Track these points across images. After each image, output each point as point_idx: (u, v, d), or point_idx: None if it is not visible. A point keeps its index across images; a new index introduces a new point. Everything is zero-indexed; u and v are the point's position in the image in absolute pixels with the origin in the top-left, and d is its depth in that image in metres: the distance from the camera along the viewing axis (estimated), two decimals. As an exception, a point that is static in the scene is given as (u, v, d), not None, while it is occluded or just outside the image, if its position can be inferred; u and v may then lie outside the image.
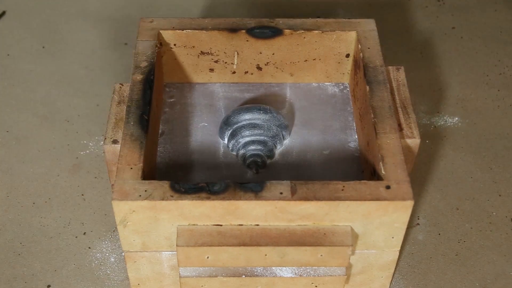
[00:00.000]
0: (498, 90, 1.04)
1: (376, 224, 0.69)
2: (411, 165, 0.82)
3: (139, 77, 0.78)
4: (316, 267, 0.72)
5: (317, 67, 0.88)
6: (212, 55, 0.87)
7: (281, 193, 0.67)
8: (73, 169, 0.92)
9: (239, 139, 0.80)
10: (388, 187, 0.68)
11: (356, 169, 0.80)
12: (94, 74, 1.06)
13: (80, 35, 1.13)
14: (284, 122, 0.82)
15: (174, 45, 0.86)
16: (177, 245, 0.68)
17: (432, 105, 1.01)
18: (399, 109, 0.80)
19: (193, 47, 0.86)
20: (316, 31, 0.85)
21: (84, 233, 0.85)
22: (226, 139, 0.81)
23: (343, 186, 0.68)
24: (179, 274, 0.71)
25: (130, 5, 1.19)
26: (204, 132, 0.82)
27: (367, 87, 0.78)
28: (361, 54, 0.82)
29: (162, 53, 0.86)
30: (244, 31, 0.85)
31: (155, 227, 0.69)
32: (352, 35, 0.85)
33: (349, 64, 0.88)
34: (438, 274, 0.81)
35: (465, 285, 0.80)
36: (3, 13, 1.16)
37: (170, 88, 0.89)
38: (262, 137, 0.79)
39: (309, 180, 0.70)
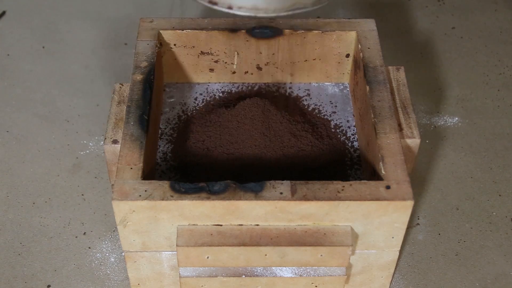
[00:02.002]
0: (498, 90, 1.04)
1: (376, 224, 0.69)
2: (411, 165, 0.82)
3: (139, 77, 0.78)
4: (316, 267, 0.72)
5: (317, 67, 0.88)
6: (212, 55, 0.87)
7: (281, 193, 0.67)
8: (73, 169, 0.92)
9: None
10: (388, 187, 0.68)
11: (356, 169, 0.80)
12: (94, 74, 1.06)
13: (80, 35, 1.13)
14: (284, 122, 0.82)
15: (174, 45, 0.86)
16: (177, 245, 0.68)
17: (432, 105, 1.01)
18: (399, 109, 0.80)
19: (193, 47, 0.86)
20: (316, 31, 0.85)
21: (84, 233, 0.85)
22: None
23: (343, 186, 0.68)
24: (179, 274, 0.71)
25: (130, 5, 1.19)
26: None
27: (367, 87, 0.78)
28: (361, 54, 0.82)
29: (162, 53, 0.86)
30: (244, 31, 0.85)
31: (155, 227, 0.69)
32: (352, 35, 0.85)
33: (349, 64, 0.88)
34: (438, 274, 0.81)
35: (465, 285, 0.80)
36: (3, 13, 1.16)
37: (170, 88, 0.89)
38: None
39: (309, 180, 0.70)
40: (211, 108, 0.85)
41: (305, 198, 0.67)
